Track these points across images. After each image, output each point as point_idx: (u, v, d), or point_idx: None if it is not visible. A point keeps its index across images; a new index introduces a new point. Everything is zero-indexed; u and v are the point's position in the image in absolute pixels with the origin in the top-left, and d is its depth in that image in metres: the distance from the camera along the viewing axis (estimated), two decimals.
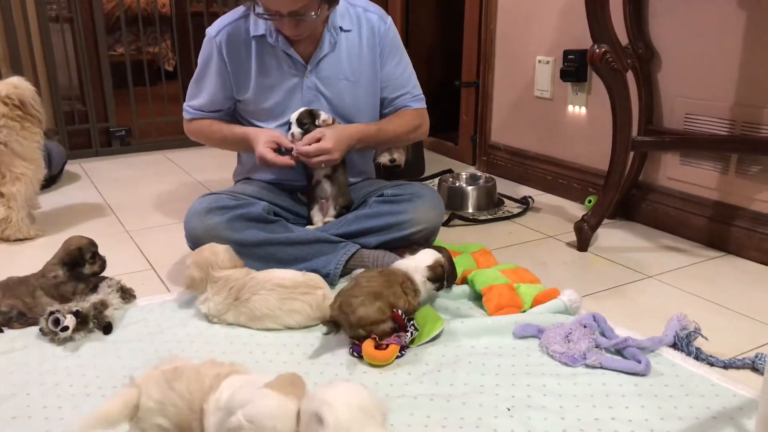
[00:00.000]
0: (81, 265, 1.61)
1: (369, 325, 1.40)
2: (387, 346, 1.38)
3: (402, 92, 1.94)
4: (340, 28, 1.84)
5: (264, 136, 1.78)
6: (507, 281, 1.65)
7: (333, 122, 1.82)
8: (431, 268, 1.53)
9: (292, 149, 1.76)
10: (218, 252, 1.58)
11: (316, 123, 1.79)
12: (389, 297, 1.43)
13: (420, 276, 1.52)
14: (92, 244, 1.65)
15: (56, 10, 3.16)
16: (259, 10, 1.69)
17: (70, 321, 1.44)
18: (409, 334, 1.41)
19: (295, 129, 1.78)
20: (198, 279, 1.56)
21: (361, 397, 0.93)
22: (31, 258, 1.71)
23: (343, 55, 1.86)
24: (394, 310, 1.42)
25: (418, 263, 1.54)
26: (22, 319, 1.55)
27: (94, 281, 1.63)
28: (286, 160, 1.76)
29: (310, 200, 1.91)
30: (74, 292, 1.59)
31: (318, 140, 1.74)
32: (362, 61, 1.87)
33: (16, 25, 2.99)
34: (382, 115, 1.97)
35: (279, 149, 1.78)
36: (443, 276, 1.56)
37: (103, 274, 1.68)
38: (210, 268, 1.55)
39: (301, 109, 1.80)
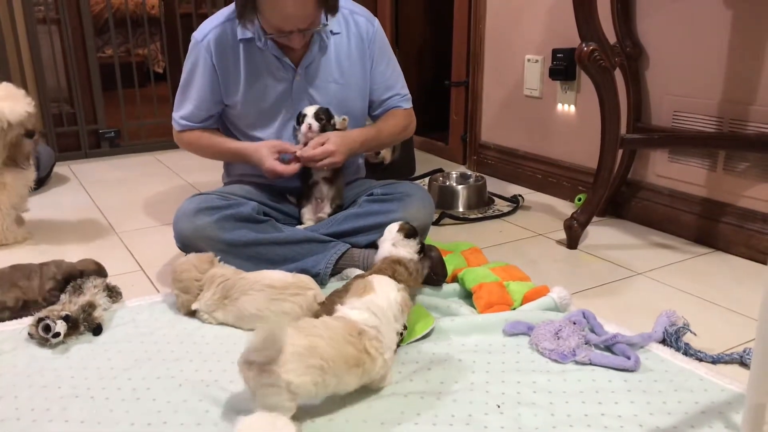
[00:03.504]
0: None
1: None
2: None
3: (392, 93, 1.95)
4: (330, 31, 1.84)
5: (267, 150, 1.78)
6: (497, 279, 1.65)
7: (345, 122, 1.85)
8: (401, 229, 1.57)
9: (294, 153, 1.77)
10: (190, 267, 1.58)
11: (332, 122, 1.80)
12: None
13: (403, 249, 1.54)
14: (98, 272, 1.65)
15: (44, 12, 3.14)
16: (265, 29, 1.72)
17: (61, 327, 1.42)
18: None
19: (313, 122, 1.79)
20: (191, 297, 1.57)
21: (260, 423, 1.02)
22: (18, 261, 1.70)
23: (332, 58, 1.86)
24: None
25: (392, 238, 1.57)
26: (25, 312, 1.56)
27: (78, 284, 1.62)
28: (293, 167, 1.77)
29: (304, 199, 1.90)
30: (56, 302, 1.57)
31: (323, 144, 1.75)
32: (351, 63, 1.88)
33: (2, 27, 2.97)
34: (371, 117, 1.98)
35: (281, 157, 1.79)
36: (415, 230, 1.59)
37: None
38: (194, 282, 1.56)
39: (316, 106, 1.81)
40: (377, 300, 1.27)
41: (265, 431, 1.03)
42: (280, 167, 1.76)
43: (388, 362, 1.24)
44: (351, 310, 1.26)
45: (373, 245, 1.78)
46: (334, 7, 1.74)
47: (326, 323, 1.20)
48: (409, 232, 1.57)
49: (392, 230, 1.59)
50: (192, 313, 1.57)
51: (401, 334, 1.40)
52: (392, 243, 1.56)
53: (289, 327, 1.13)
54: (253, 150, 1.82)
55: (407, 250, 1.54)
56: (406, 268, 1.50)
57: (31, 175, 2.15)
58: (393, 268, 1.49)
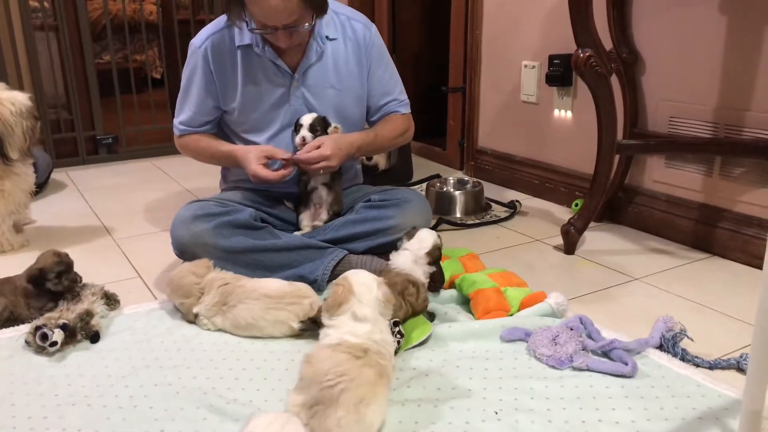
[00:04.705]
0: (43, 284, 1.58)
1: None
2: None
3: (390, 98, 1.95)
4: (327, 36, 1.84)
5: (253, 154, 1.78)
6: (494, 285, 1.65)
7: (338, 131, 1.83)
8: (431, 254, 1.55)
9: (286, 159, 1.76)
10: (187, 273, 1.58)
11: (328, 131, 1.80)
12: None
13: (421, 270, 1.54)
14: (59, 263, 1.59)
15: (41, 19, 3.14)
16: (252, 25, 1.70)
17: (58, 336, 1.42)
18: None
19: (307, 134, 1.78)
20: (194, 301, 1.57)
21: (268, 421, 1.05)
22: (16, 268, 1.69)
23: (329, 64, 1.86)
24: None
25: (417, 256, 1.55)
26: (12, 323, 1.55)
27: (76, 291, 1.61)
28: (281, 173, 1.76)
29: (302, 204, 1.90)
30: (42, 307, 1.57)
31: (317, 148, 1.74)
32: (348, 70, 1.88)
33: (0, 33, 2.97)
34: (369, 122, 1.98)
35: (270, 163, 1.78)
36: (440, 256, 1.58)
37: (87, 280, 1.66)
38: (194, 285, 1.57)
39: (314, 115, 1.81)
40: (360, 307, 1.22)
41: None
42: (264, 172, 1.75)
43: (394, 360, 1.26)
44: (343, 335, 1.19)
45: (371, 251, 1.79)
46: (321, 7, 1.73)
47: (332, 359, 1.14)
48: (435, 260, 1.57)
49: (425, 244, 1.55)
50: (195, 318, 1.57)
51: (398, 341, 1.41)
52: (414, 260, 1.55)
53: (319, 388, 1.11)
54: (242, 153, 1.82)
55: (423, 271, 1.54)
56: (417, 291, 1.50)
57: (30, 179, 2.16)
58: (405, 285, 1.48)
